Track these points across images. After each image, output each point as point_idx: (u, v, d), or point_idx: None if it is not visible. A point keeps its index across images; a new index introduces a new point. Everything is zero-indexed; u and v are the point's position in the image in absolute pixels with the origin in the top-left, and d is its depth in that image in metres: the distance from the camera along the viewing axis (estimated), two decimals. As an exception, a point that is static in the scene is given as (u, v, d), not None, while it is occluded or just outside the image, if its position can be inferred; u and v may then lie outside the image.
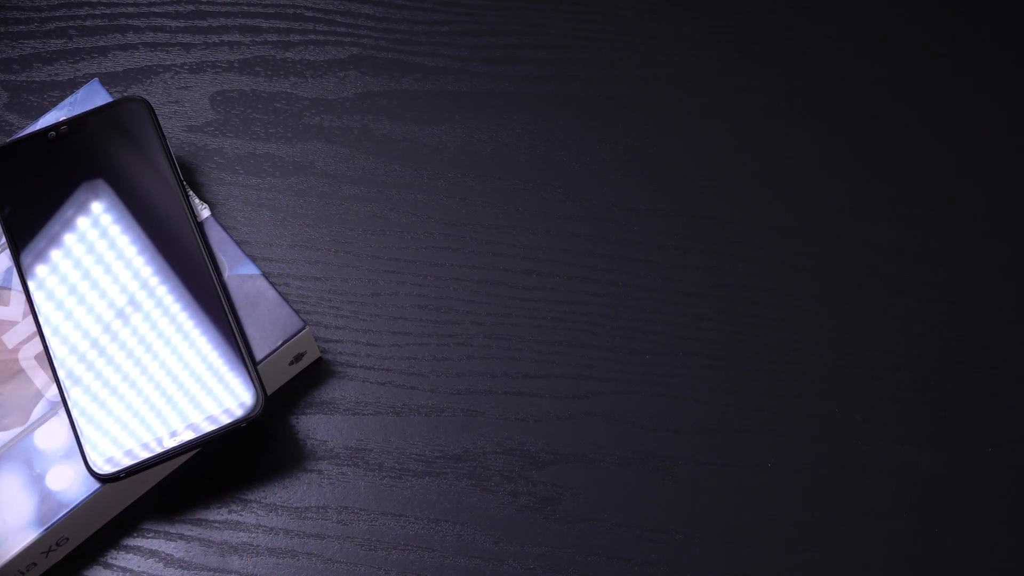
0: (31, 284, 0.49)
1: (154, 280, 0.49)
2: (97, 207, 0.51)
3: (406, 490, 0.50)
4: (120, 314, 0.49)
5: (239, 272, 0.50)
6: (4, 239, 0.51)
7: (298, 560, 0.49)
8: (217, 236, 0.51)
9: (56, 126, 0.52)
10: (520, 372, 0.53)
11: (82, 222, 0.50)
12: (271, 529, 0.50)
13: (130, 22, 0.60)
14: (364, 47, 0.59)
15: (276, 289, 0.51)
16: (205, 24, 0.60)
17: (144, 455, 0.46)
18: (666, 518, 0.50)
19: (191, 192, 0.52)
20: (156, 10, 0.60)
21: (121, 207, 0.51)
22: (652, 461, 0.51)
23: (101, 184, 0.51)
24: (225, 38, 0.59)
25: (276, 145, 0.57)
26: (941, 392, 0.52)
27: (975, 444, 0.51)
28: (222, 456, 0.51)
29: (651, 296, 0.54)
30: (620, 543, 0.49)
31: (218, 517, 0.50)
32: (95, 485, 0.47)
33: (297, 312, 0.51)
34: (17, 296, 0.51)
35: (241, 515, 0.50)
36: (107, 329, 0.49)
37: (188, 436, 0.47)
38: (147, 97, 0.58)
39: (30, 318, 0.50)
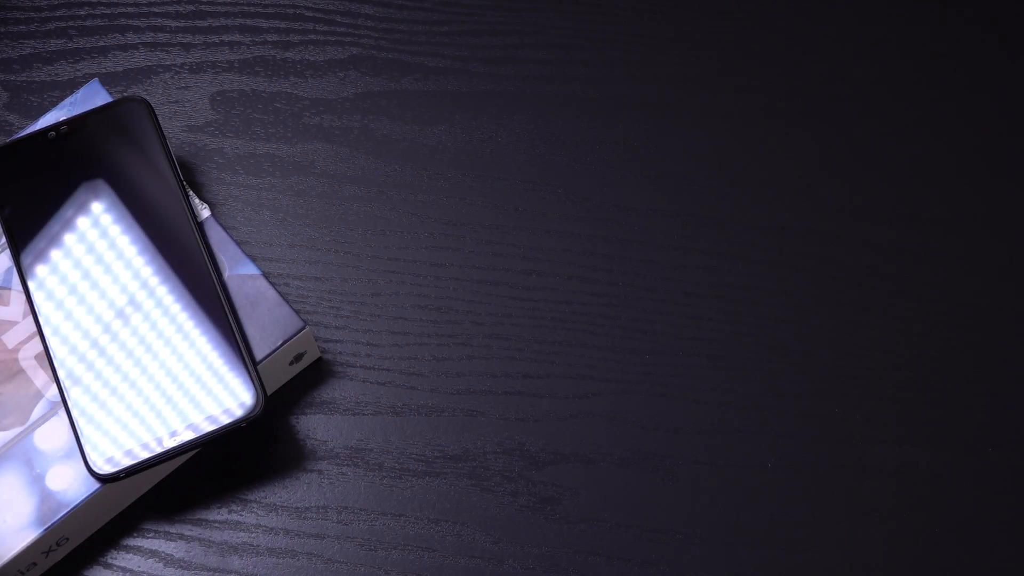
0: (31, 284, 0.49)
1: (154, 280, 0.49)
2: (97, 207, 0.51)
3: (406, 490, 0.50)
4: (120, 314, 0.49)
5: (239, 272, 0.50)
6: (4, 239, 0.51)
7: (298, 560, 0.49)
8: (217, 236, 0.51)
9: (56, 126, 0.52)
10: (520, 372, 0.53)
11: (82, 222, 0.50)
12: (271, 529, 0.50)
13: (130, 22, 0.60)
14: (364, 47, 0.59)
15: (276, 289, 0.51)
16: (205, 24, 0.60)
17: (144, 455, 0.46)
18: (666, 518, 0.50)
19: (191, 192, 0.52)
20: (156, 10, 0.60)
21: (121, 207, 0.51)
22: (652, 461, 0.51)
23: (101, 184, 0.51)
24: (225, 38, 0.59)
25: (276, 145, 0.57)
26: (941, 392, 0.52)
27: (975, 444, 0.51)
28: (222, 456, 0.51)
29: (651, 296, 0.54)
30: (620, 543, 0.49)
31: (218, 517, 0.50)
32: (95, 485, 0.47)
33: (297, 312, 0.51)
34: (17, 296, 0.51)
35: (241, 515, 0.50)
36: (107, 329, 0.49)
37: (188, 436, 0.47)
38: (147, 97, 0.58)
39: (30, 318, 0.50)
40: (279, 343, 0.49)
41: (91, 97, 0.54)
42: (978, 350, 0.53)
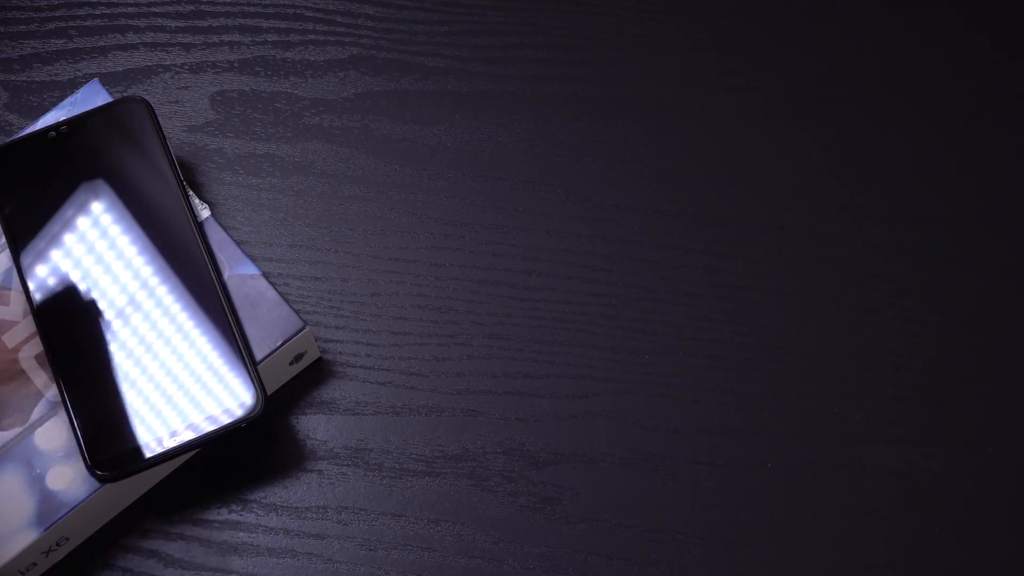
0: (31, 284, 0.49)
1: (154, 280, 0.49)
2: (97, 207, 0.51)
3: (406, 490, 0.50)
4: (120, 314, 0.49)
5: (239, 272, 0.50)
6: (4, 239, 0.51)
7: (298, 560, 0.49)
8: (217, 236, 0.51)
9: (56, 126, 0.52)
10: (520, 372, 0.53)
11: (82, 222, 0.50)
12: (271, 529, 0.50)
13: (130, 22, 0.60)
14: (364, 47, 0.59)
15: (276, 289, 0.51)
16: (205, 24, 0.60)
17: (144, 455, 0.46)
18: (666, 518, 0.50)
19: (191, 192, 0.52)
20: (156, 10, 0.60)
21: (121, 207, 0.51)
22: (652, 461, 0.51)
23: (101, 184, 0.51)
24: (225, 38, 0.59)
25: (276, 145, 0.57)
26: (941, 392, 0.52)
27: (975, 444, 0.51)
28: (222, 456, 0.51)
29: (651, 296, 0.54)
30: (620, 543, 0.49)
31: (218, 517, 0.50)
32: (95, 485, 0.47)
33: (297, 312, 0.51)
34: (17, 296, 0.51)
35: (241, 515, 0.50)
36: (107, 329, 0.49)
37: (188, 436, 0.47)
38: (147, 97, 0.58)
39: (30, 318, 0.50)
40: (279, 343, 0.49)
41: (91, 97, 0.54)
42: (978, 350, 0.53)
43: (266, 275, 0.54)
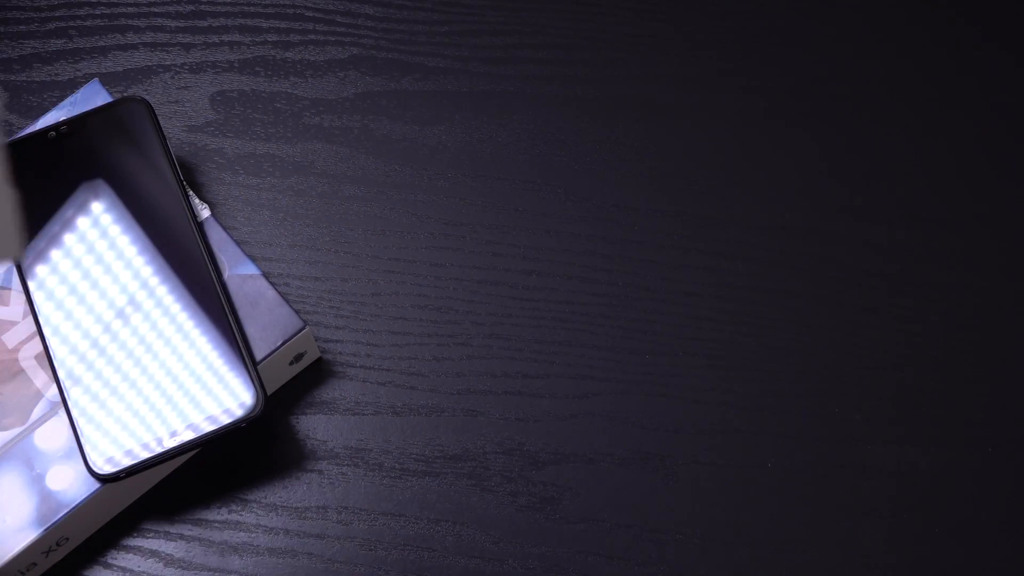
0: (31, 284, 0.49)
1: (154, 280, 0.49)
2: (97, 207, 0.51)
3: (406, 490, 0.50)
4: (120, 314, 0.49)
5: (239, 272, 0.50)
6: (4, 239, 0.51)
7: (298, 560, 0.49)
8: (217, 236, 0.51)
9: (56, 126, 0.52)
10: (520, 372, 0.53)
11: (82, 222, 0.50)
12: (271, 529, 0.50)
13: (130, 22, 0.60)
14: (364, 47, 0.59)
15: (276, 289, 0.51)
16: (205, 24, 0.60)
17: (144, 455, 0.46)
18: (666, 518, 0.50)
19: (191, 192, 0.52)
20: (156, 10, 0.60)
21: (121, 207, 0.51)
22: (652, 461, 0.51)
23: (101, 184, 0.51)
24: (225, 38, 0.59)
25: (276, 145, 0.57)
26: (941, 392, 0.52)
27: (975, 444, 0.51)
28: (222, 456, 0.51)
29: (651, 296, 0.54)
30: (620, 543, 0.49)
31: (218, 517, 0.50)
32: (95, 485, 0.47)
33: (297, 312, 0.51)
34: (17, 296, 0.51)
35: (241, 515, 0.50)
36: (107, 329, 0.49)
37: (188, 436, 0.47)
38: (147, 97, 0.58)
39: (30, 318, 0.50)
40: (279, 343, 0.49)
41: (91, 97, 0.54)
42: (978, 350, 0.53)
43: (266, 275, 0.54)
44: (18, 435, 0.48)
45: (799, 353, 0.53)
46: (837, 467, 0.51)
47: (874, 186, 0.56)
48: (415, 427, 0.52)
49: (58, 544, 0.48)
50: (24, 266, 0.50)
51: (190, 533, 0.50)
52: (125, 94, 0.57)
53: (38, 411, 0.48)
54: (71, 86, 0.58)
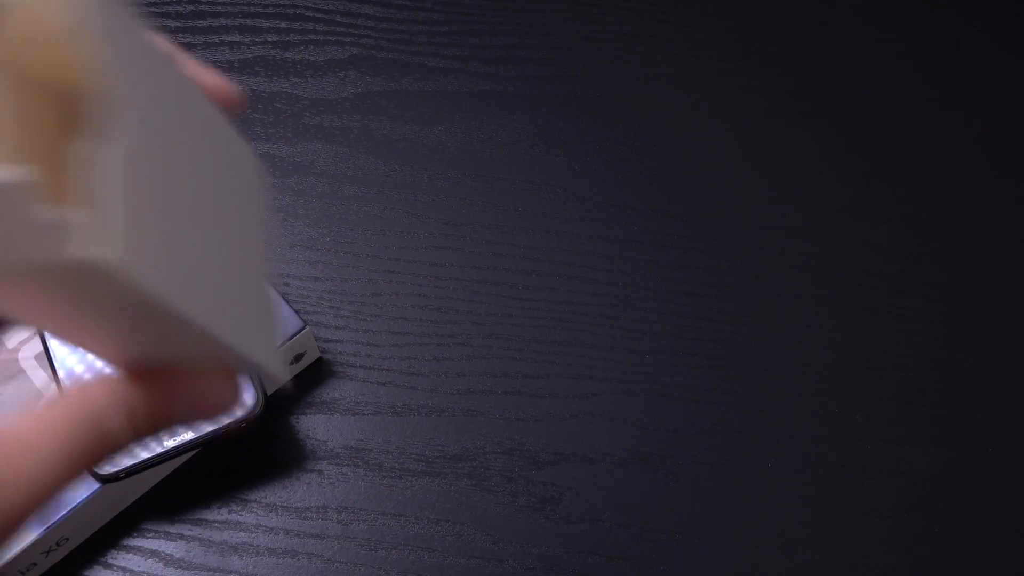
0: (31, 284, 0.49)
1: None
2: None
3: (406, 490, 0.50)
4: (120, 314, 0.49)
5: (239, 272, 0.50)
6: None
7: (298, 560, 0.49)
8: (217, 236, 0.51)
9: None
10: (520, 372, 0.52)
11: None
12: (271, 529, 0.50)
13: (130, 22, 0.60)
14: (364, 47, 0.59)
15: (276, 289, 0.51)
16: (205, 24, 0.60)
17: (144, 455, 0.46)
18: (666, 518, 0.50)
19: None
20: (156, 10, 0.60)
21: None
22: (652, 461, 0.51)
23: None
24: (225, 38, 0.59)
25: (276, 145, 0.57)
26: (941, 392, 0.52)
27: (975, 444, 0.51)
28: (222, 456, 0.51)
29: (651, 296, 0.54)
30: (620, 543, 0.49)
31: (218, 517, 0.50)
32: (95, 485, 0.47)
33: (297, 312, 0.51)
34: (17, 296, 0.51)
35: (241, 515, 0.50)
36: (107, 329, 0.49)
37: (188, 436, 0.47)
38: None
39: (30, 318, 0.50)
40: (279, 343, 0.49)
41: (91, 97, 0.54)
42: (978, 350, 0.53)
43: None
44: (18, 435, 0.48)
45: (799, 353, 0.53)
46: (837, 467, 0.51)
47: (874, 186, 0.56)
48: (415, 427, 0.52)
49: (58, 544, 0.48)
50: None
51: (190, 533, 0.50)
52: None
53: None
54: (71, 86, 0.58)
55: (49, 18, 0.19)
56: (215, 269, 0.24)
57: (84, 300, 0.20)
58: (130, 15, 0.20)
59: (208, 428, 0.47)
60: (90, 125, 0.19)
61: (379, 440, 0.51)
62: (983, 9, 0.60)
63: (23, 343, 0.50)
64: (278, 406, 0.52)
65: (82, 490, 0.47)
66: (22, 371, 0.49)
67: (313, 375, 0.52)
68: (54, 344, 0.48)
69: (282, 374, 0.26)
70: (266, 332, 0.28)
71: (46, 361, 0.49)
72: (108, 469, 0.46)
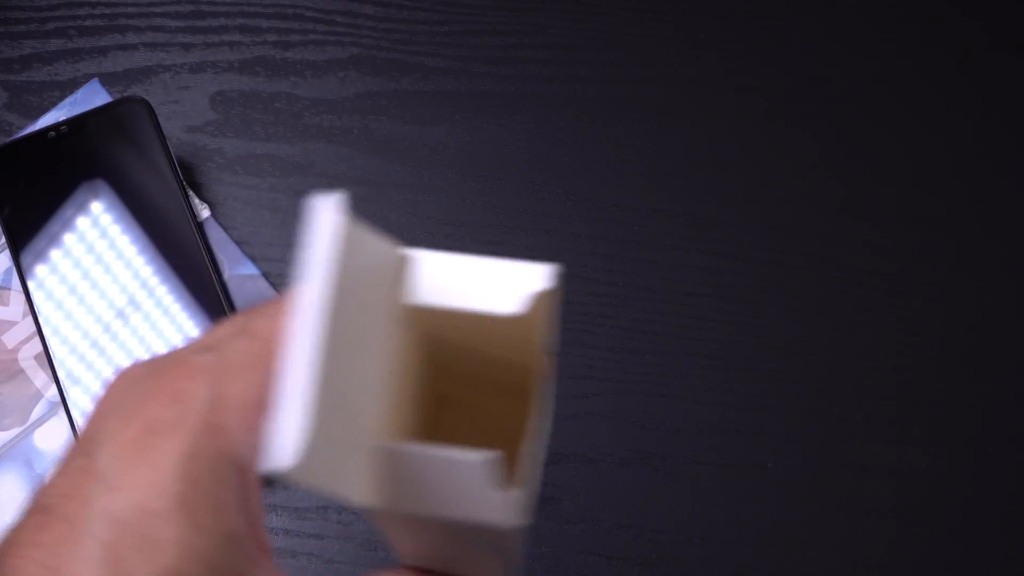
0: (31, 284, 0.49)
1: (154, 280, 0.49)
2: (97, 207, 0.51)
3: (406, 490, 0.50)
4: (120, 314, 0.49)
5: (239, 272, 0.50)
6: (4, 239, 0.51)
7: (298, 560, 0.49)
8: (217, 236, 0.51)
9: (56, 126, 0.52)
10: (520, 372, 0.52)
11: (82, 222, 0.50)
12: (271, 529, 0.50)
13: (130, 22, 0.60)
14: (364, 47, 0.59)
15: (276, 289, 0.51)
16: (205, 24, 0.60)
17: None
18: (666, 518, 0.50)
19: (191, 192, 0.52)
20: (156, 10, 0.60)
21: (121, 207, 0.51)
22: (652, 461, 0.51)
23: (101, 184, 0.51)
24: (225, 38, 0.59)
25: (276, 145, 0.57)
26: (941, 392, 0.52)
27: (975, 444, 0.51)
28: (222, 456, 0.51)
29: (651, 296, 0.54)
30: (620, 543, 0.49)
31: (218, 517, 0.50)
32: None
33: (297, 312, 0.51)
34: (17, 296, 0.51)
35: (241, 515, 0.50)
36: (107, 329, 0.49)
37: None
38: (147, 97, 0.58)
39: (30, 318, 0.50)
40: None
41: (91, 97, 0.54)
42: (978, 350, 0.53)
43: (266, 275, 0.54)
44: (18, 435, 0.48)
45: (799, 353, 0.53)
46: (837, 467, 0.51)
47: (874, 186, 0.56)
48: (415, 427, 0.51)
49: (58, 544, 0.48)
50: (24, 266, 0.50)
51: (190, 533, 0.50)
52: (125, 94, 0.57)
53: (38, 411, 0.48)
54: (71, 86, 0.58)
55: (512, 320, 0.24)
56: None
57: (456, 535, 0.25)
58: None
59: None
60: (533, 412, 0.25)
61: (379, 440, 0.51)
62: (984, 9, 0.60)
63: (23, 343, 0.50)
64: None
65: (82, 490, 0.47)
66: (22, 371, 0.49)
67: (313, 375, 0.52)
68: (54, 344, 0.48)
69: None
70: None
71: (46, 362, 0.49)
72: None
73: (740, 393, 0.52)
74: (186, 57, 0.59)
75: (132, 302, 0.49)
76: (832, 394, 0.52)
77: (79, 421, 0.47)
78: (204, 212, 0.52)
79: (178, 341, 0.49)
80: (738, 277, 0.54)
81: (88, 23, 0.60)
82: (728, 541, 0.49)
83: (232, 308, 0.49)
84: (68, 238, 0.50)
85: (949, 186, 0.56)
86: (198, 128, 0.57)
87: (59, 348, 0.48)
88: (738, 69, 0.59)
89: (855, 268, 0.55)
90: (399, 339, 0.24)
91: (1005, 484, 0.50)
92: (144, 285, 0.49)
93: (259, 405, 0.26)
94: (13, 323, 0.50)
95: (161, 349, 0.48)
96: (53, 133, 0.52)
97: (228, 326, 0.29)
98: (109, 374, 0.48)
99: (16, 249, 0.50)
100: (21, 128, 0.57)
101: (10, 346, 0.50)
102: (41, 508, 0.26)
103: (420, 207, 0.56)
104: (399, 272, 0.24)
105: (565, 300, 0.54)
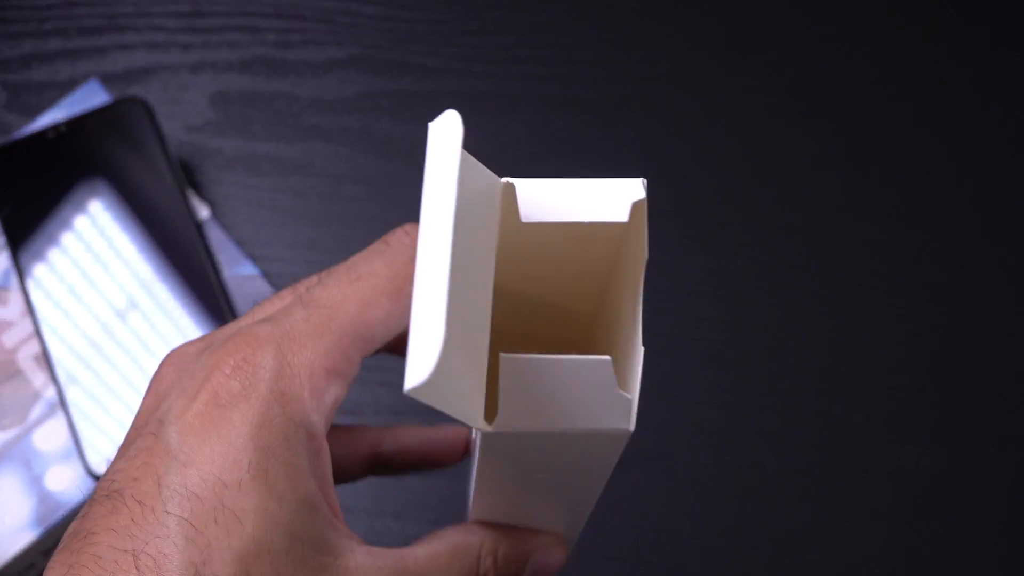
0: (30, 284, 0.49)
1: (153, 280, 0.49)
2: (96, 207, 0.51)
3: (406, 491, 0.50)
4: (119, 314, 0.49)
5: (239, 272, 0.50)
6: (3, 239, 0.51)
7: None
8: (217, 236, 0.51)
9: (56, 126, 0.52)
10: (520, 372, 0.52)
11: (81, 222, 0.50)
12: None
13: (130, 22, 0.60)
14: (364, 47, 0.59)
15: (276, 289, 0.51)
16: (205, 24, 0.60)
17: None
18: (666, 518, 0.50)
19: (191, 192, 0.52)
20: (156, 10, 0.60)
21: (120, 207, 0.51)
22: (652, 461, 0.51)
23: (100, 184, 0.51)
24: (225, 38, 0.59)
25: (276, 145, 0.57)
26: (941, 392, 0.52)
27: (975, 444, 0.51)
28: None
29: (651, 296, 0.54)
30: (620, 543, 0.49)
31: (218, 517, 0.50)
32: (94, 486, 0.47)
33: (297, 312, 0.51)
34: (16, 296, 0.50)
35: (241, 515, 0.50)
36: (106, 330, 0.49)
37: None
38: (147, 97, 0.58)
39: (28, 318, 0.50)
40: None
41: (90, 97, 0.54)
42: (977, 350, 0.53)
43: (266, 275, 0.54)
44: (16, 436, 0.48)
45: (799, 353, 0.53)
46: (837, 467, 0.51)
47: (874, 186, 0.56)
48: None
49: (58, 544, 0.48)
50: (23, 266, 0.50)
51: (190, 533, 0.50)
52: (124, 94, 0.57)
53: (36, 412, 0.48)
54: (70, 86, 0.58)
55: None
56: None
57: (551, 470, 0.26)
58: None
59: None
60: (628, 321, 0.26)
61: (379, 440, 0.51)
62: (984, 9, 0.60)
63: (21, 343, 0.50)
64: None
65: (81, 491, 0.47)
66: (20, 372, 0.49)
67: (313, 375, 0.52)
68: (53, 345, 0.48)
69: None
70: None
71: (45, 362, 0.49)
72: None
73: (740, 393, 0.52)
74: (185, 57, 0.59)
75: (131, 302, 0.49)
76: (832, 394, 0.52)
77: (78, 421, 0.47)
78: (204, 212, 0.52)
79: (178, 341, 0.48)
80: (738, 277, 0.54)
81: (87, 23, 0.60)
82: (728, 541, 0.49)
83: (231, 308, 0.49)
84: (67, 238, 0.50)
85: (949, 186, 0.56)
86: (198, 128, 0.57)
87: (58, 348, 0.48)
88: (738, 69, 0.59)
89: (855, 268, 0.55)
90: (494, 264, 0.25)
91: (1005, 484, 0.50)
92: (143, 285, 0.49)
93: (326, 371, 0.26)
94: (12, 323, 0.50)
95: (160, 350, 0.48)
96: (53, 133, 0.52)
97: (281, 299, 0.29)
98: (109, 374, 0.48)
99: (15, 249, 0.50)
100: (20, 127, 0.57)
101: (9, 346, 0.50)
102: (109, 493, 0.25)
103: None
104: (501, 197, 0.25)
105: (565, 300, 0.54)
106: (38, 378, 0.49)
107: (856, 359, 0.53)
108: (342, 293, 0.27)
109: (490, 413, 0.25)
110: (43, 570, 0.49)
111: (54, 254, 0.50)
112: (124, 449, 0.27)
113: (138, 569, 0.23)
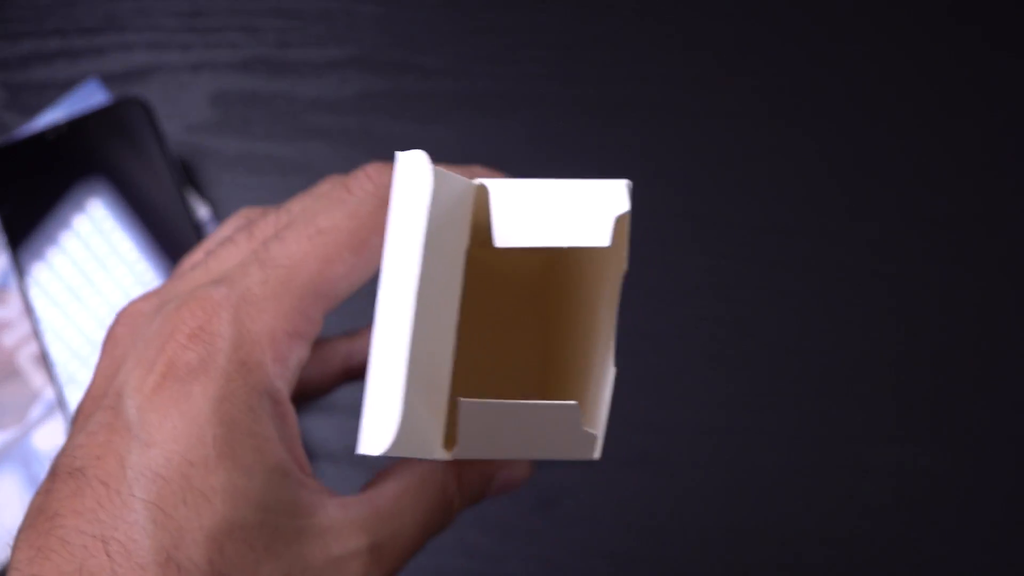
0: (29, 284, 0.49)
1: (154, 280, 0.49)
2: (96, 207, 0.51)
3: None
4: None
5: (239, 272, 0.50)
6: (3, 239, 0.51)
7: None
8: (216, 236, 0.51)
9: (56, 127, 0.52)
10: (520, 372, 0.52)
11: (81, 222, 0.50)
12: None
13: (129, 22, 0.60)
14: (364, 47, 0.59)
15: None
16: (205, 24, 0.60)
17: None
18: (666, 518, 0.50)
19: (191, 192, 0.52)
20: (156, 10, 0.60)
21: (120, 207, 0.51)
22: (652, 461, 0.51)
23: (100, 184, 0.51)
24: (225, 38, 0.59)
25: (276, 145, 0.57)
26: (941, 392, 0.52)
27: (975, 444, 0.51)
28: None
29: (651, 296, 0.54)
30: (620, 543, 0.49)
31: (217, 517, 0.50)
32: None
33: (297, 312, 0.51)
34: (15, 297, 0.50)
35: (240, 515, 0.50)
36: (105, 330, 0.49)
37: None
38: (147, 97, 0.58)
39: (28, 319, 0.50)
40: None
41: (89, 97, 0.54)
42: (978, 350, 0.53)
43: (265, 275, 0.54)
44: (16, 436, 0.48)
45: (799, 353, 0.53)
46: (837, 467, 0.51)
47: (874, 186, 0.56)
48: (415, 427, 0.51)
49: (57, 545, 0.48)
50: (23, 267, 0.50)
51: (189, 533, 0.50)
52: (124, 94, 0.57)
53: (36, 412, 0.48)
54: (69, 85, 0.58)
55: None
56: None
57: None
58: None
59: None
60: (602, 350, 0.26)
61: (379, 440, 0.51)
62: (984, 9, 0.60)
63: (21, 344, 0.50)
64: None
65: (81, 490, 0.47)
66: (19, 372, 0.49)
67: (313, 375, 0.52)
68: (52, 345, 0.48)
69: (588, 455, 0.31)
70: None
71: (44, 362, 0.49)
72: None
73: (740, 393, 0.52)
74: (185, 57, 0.59)
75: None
76: (832, 394, 0.52)
77: (78, 421, 0.47)
78: (204, 212, 0.52)
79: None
80: (738, 277, 0.54)
81: (87, 23, 0.60)
82: (728, 541, 0.49)
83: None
84: (67, 238, 0.50)
85: (950, 186, 0.56)
86: (197, 128, 0.57)
87: (57, 349, 0.48)
88: (738, 69, 0.59)
89: (855, 268, 0.55)
90: (462, 277, 0.25)
91: (1005, 484, 0.50)
92: (143, 285, 0.49)
93: (287, 335, 0.25)
94: (11, 323, 0.50)
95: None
96: (52, 134, 0.52)
97: (236, 244, 0.28)
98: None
99: (15, 250, 0.50)
100: (19, 127, 0.57)
101: (8, 346, 0.50)
102: (72, 471, 0.24)
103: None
104: (473, 205, 0.24)
105: (565, 300, 0.54)
106: (37, 378, 0.49)
107: (856, 359, 0.53)
108: (302, 250, 0.26)
109: (452, 434, 0.25)
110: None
111: (54, 254, 0.50)
112: (83, 422, 0.26)
113: (108, 555, 0.23)
